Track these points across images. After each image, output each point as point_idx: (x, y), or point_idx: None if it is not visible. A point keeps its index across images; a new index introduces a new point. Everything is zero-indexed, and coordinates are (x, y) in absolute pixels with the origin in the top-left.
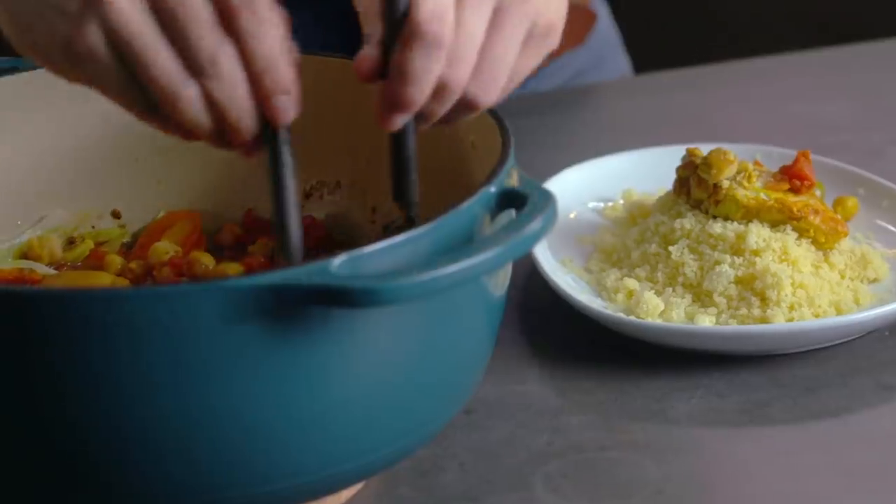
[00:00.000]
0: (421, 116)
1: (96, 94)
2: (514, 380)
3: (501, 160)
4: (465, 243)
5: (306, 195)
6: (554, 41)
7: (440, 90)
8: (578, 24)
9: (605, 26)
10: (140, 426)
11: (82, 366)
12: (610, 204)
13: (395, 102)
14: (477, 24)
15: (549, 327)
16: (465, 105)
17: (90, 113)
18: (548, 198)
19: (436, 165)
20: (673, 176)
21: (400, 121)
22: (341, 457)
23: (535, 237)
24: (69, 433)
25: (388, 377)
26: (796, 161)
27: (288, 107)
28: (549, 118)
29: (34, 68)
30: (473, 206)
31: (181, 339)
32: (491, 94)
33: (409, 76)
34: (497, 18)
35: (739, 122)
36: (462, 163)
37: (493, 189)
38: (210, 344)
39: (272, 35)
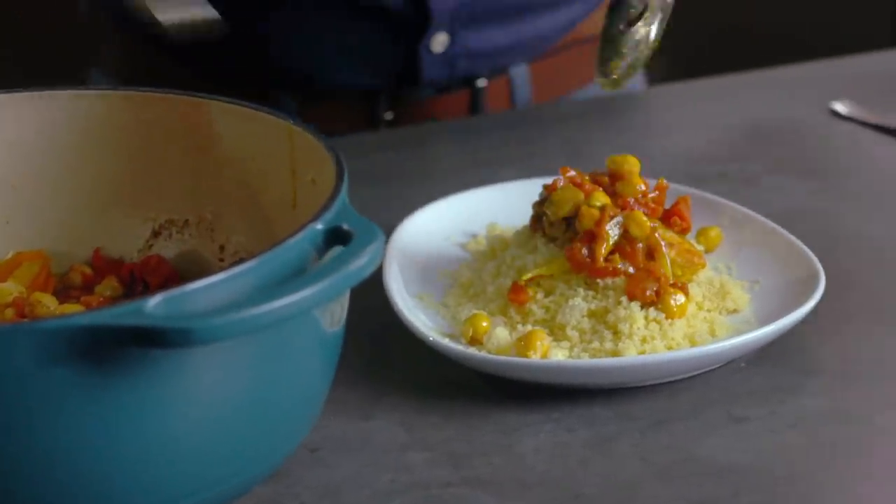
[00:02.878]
0: None
1: None
2: (361, 416)
3: (331, 196)
4: (292, 279)
5: (155, 234)
6: None
7: None
8: None
9: None
10: None
11: None
12: (474, 238)
13: None
14: None
15: (399, 362)
16: None
17: None
18: (374, 234)
19: (273, 203)
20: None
21: None
22: (174, 496)
23: (360, 273)
24: None
25: (216, 415)
26: (675, 204)
27: None
28: (424, 150)
29: None
30: (300, 242)
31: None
32: None
33: None
34: None
35: (612, 153)
36: (305, 198)
37: (319, 226)
38: (27, 385)
39: None
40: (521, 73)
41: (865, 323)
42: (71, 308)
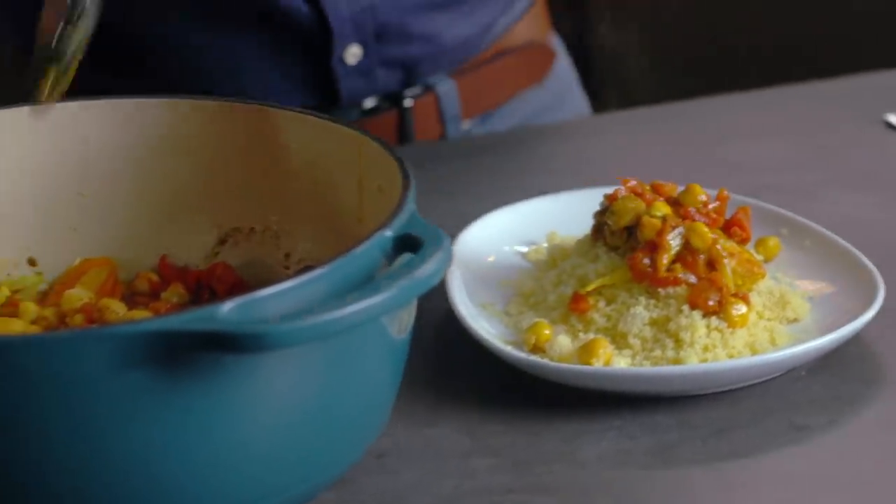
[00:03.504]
0: None
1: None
2: (426, 422)
3: (399, 204)
4: (362, 286)
5: (221, 241)
6: None
7: None
8: (537, 62)
9: (563, 64)
10: (36, 473)
11: None
12: (534, 247)
13: None
14: None
15: (462, 370)
16: None
17: (4, 159)
18: (443, 241)
19: (339, 210)
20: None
21: None
22: (241, 501)
23: (429, 280)
24: None
25: (285, 421)
26: (735, 214)
27: None
28: (487, 159)
29: None
30: (369, 249)
31: (72, 385)
32: None
33: None
34: None
35: (672, 163)
36: (371, 206)
37: (388, 233)
38: (100, 390)
39: None
40: (447, 89)
41: None
42: (139, 314)
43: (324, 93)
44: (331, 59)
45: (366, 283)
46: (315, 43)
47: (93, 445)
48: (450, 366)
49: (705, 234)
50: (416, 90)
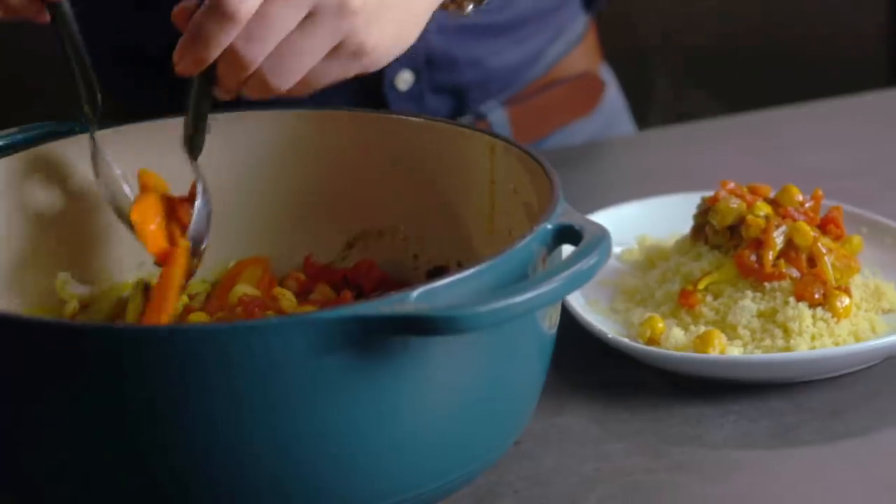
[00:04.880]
0: (215, 81)
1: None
2: (554, 412)
3: (553, 198)
4: (524, 277)
5: (349, 245)
6: (368, 64)
7: (231, 60)
8: (587, 92)
9: (613, 93)
10: (235, 457)
11: (181, 399)
12: (626, 249)
13: (184, 54)
14: (283, 15)
15: (578, 363)
16: (259, 83)
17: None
18: (603, 232)
19: (469, 212)
20: (679, 222)
21: (185, 68)
22: (415, 482)
23: (594, 269)
24: (164, 462)
25: (459, 405)
26: (829, 213)
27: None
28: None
29: (85, 130)
30: (532, 241)
31: (273, 370)
32: (284, 80)
33: (198, 37)
34: (308, 21)
35: (737, 173)
36: (503, 207)
37: (549, 225)
38: (301, 375)
39: None
40: (498, 118)
41: None
42: (307, 308)
43: None
44: (382, 85)
45: (526, 274)
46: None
47: (287, 427)
48: (566, 360)
49: (807, 232)
50: (468, 118)
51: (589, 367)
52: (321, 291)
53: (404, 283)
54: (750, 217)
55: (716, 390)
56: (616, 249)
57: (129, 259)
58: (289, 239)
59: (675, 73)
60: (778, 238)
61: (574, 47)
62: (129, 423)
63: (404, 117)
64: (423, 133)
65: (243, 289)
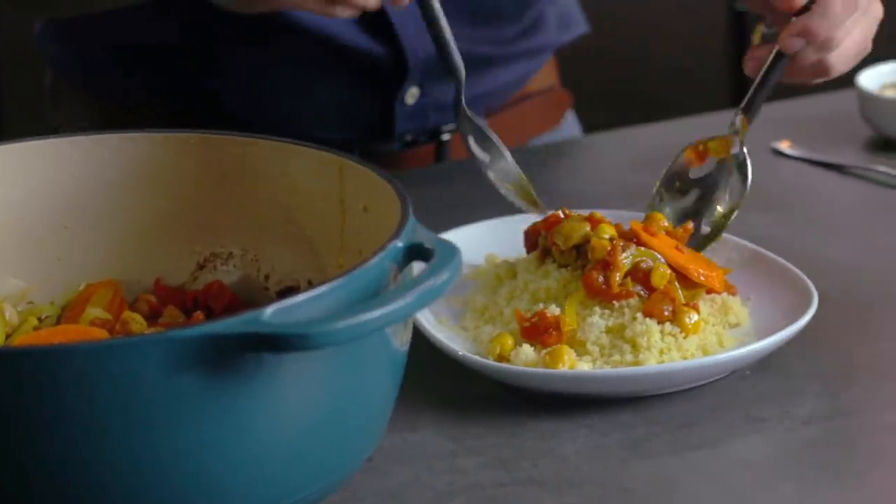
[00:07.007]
0: (794, 56)
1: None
2: (407, 428)
3: (404, 217)
4: (376, 294)
5: (200, 266)
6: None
7: (824, 42)
8: (554, 105)
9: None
10: (91, 472)
11: (37, 415)
12: (474, 267)
13: (803, 31)
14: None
15: (430, 381)
16: (821, 68)
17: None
18: (453, 250)
19: (318, 231)
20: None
21: (797, 44)
22: (271, 498)
23: (444, 286)
24: (20, 481)
25: (313, 420)
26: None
27: None
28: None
29: None
30: (383, 259)
31: (129, 389)
32: (844, 64)
33: (827, 16)
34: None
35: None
36: (354, 226)
37: (400, 243)
38: (156, 393)
39: None
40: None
41: (845, 333)
42: (157, 330)
43: (375, 129)
44: (395, 100)
45: (378, 291)
46: (383, 84)
47: (144, 445)
48: (418, 377)
49: (665, 275)
50: (452, 126)
51: (442, 383)
52: (170, 314)
53: (254, 304)
54: (595, 240)
55: (568, 405)
56: (465, 268)
57: None
58: (140, 261)
59: None
60: (626, 260)
61: (545, 63)
62: None
63: (244, 137)
64: (268, 153)
65: (94, 312)
